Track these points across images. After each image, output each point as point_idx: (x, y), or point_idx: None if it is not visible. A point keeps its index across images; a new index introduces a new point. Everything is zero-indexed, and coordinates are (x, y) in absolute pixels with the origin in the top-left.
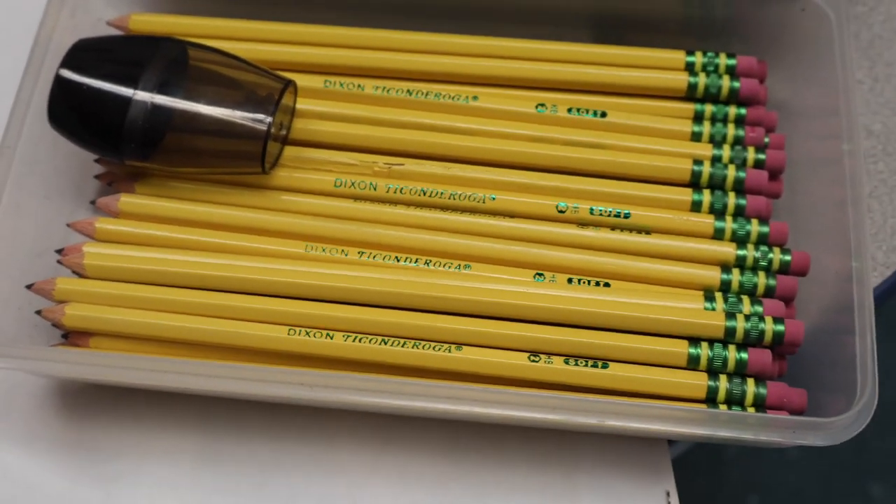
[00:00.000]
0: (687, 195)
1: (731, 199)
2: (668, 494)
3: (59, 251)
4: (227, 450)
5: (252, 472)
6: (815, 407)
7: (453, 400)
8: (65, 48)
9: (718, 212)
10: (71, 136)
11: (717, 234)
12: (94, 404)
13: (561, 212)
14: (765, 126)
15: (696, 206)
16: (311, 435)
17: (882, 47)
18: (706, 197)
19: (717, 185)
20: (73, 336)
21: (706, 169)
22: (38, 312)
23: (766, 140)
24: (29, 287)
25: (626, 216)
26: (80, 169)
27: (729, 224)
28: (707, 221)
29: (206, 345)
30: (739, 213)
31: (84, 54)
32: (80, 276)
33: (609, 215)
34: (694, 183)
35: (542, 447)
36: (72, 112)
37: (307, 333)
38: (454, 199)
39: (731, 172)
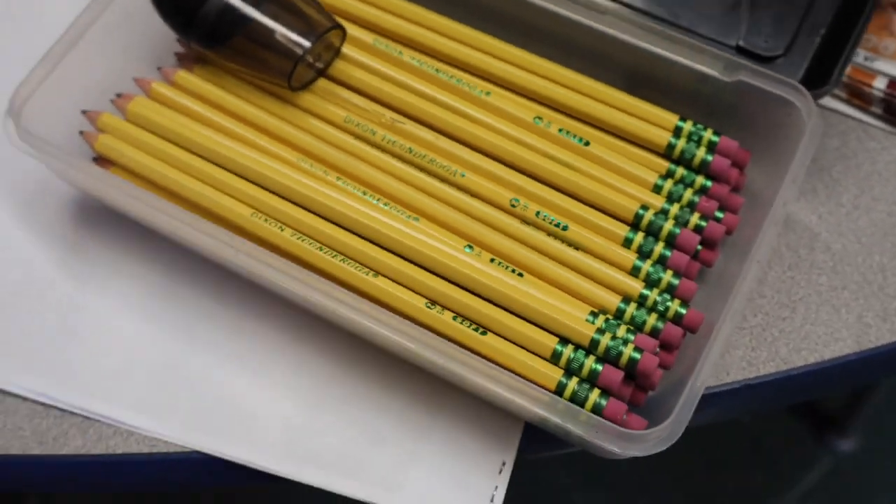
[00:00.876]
0: (623, 230)
1: (659, 248)
2: (503, 463)
3: (119, 95)
4: (177, 291)
5: (187, 317)
6: None
7: (332, 298)
8: None
9: (644, 254)
10: (160, 12)
11: (633, 272)
12: (96, 221)
13: (513, 206)
14: (727, 206)
15: (627, 243)
16: (244, 304)
17: (876, 182)
18: (638, 238)
19: (653, 232)
20: (99, 161)
21: (648, 215)
22: (81, 133)
23: (719, 215)
24: (83, 112)
25: (565, 228)
26: (164, 41)
27: (647, 266)
28: (629, 257)
29: (188, 201)
30: (661, 261)
31: None
32: (124, 118)
33: (550, 222)
34: (635, 224)
35: (420, 385)
36: None
37: (265, 220)
38: (432, 163)
39: (668, 226)
